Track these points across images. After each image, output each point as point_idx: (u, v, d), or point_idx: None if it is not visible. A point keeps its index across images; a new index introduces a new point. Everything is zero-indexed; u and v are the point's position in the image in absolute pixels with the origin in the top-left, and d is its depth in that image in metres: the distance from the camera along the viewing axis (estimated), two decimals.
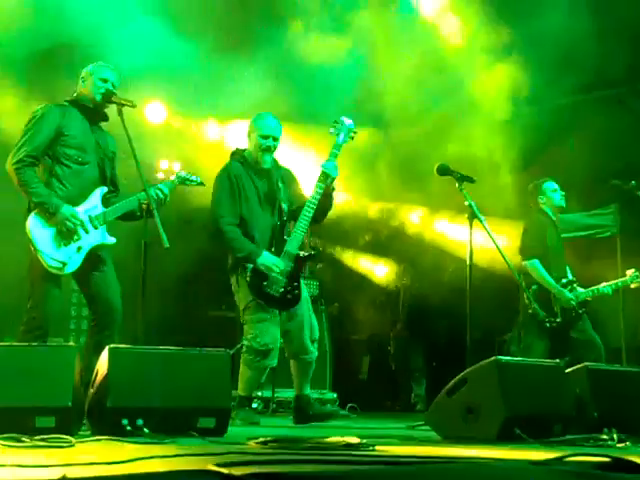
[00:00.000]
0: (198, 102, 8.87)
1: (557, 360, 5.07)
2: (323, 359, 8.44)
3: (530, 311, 6.53)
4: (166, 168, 9.30)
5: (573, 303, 6.66)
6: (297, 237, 5.73)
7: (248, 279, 5.63)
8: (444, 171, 5.49)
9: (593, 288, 6.83)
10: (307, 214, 5.66)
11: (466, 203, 5.37)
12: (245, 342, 5.71)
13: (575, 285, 6.75)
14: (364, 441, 3.50)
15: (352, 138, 5.75)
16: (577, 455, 2.76)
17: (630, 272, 6.97)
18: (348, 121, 5.74)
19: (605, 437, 4.18)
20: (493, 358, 4.49)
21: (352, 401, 8.64)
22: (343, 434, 3.69)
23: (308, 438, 3.58)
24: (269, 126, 5.86)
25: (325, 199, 5.69)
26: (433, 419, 4.75)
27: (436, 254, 9.44)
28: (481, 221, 5.29)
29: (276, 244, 5.75)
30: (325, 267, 10.12)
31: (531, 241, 6.77)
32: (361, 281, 10.49)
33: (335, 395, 8.44)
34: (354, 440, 3.49)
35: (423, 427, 5.25)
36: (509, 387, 4.40)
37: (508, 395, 4.37)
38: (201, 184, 5.74)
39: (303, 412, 5.86)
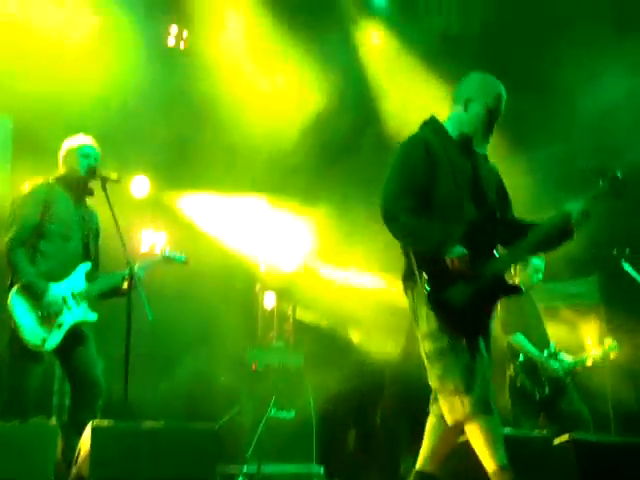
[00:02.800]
0: (182, 175, 8.96)
1: (544, 431, 5.03)
2: (310, 432, 8.34)
3: (518, 384, 6.52)
4: (151, 241, 9.30)
5: (560, 373, 6.64)
6: (508, 259, 4.18)
7: (426, 283, 3.87)
8: None
9: (578, 359, 6.82)
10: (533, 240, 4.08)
11: None
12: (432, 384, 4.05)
13: (560, 354, 6.74)
14: None
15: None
16: None
17: (608, 342, 6.98)
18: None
19: None
20: None
21: (339, 475, 8.51)
22: None
23: None
24: (502, 97, 4.14)
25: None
26: None
27: None
28: None
29: (477, 251, 3.93)
30: (309, 338, 10.07)
31: (510, 315, 6.74)
32: (347, 352, 10.42)
33: (322, 469, 8.32)
34: None
35: None
36: None
37: None
38: (185, 263, 5.76)
39: None
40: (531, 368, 6.62)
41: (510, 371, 6.68)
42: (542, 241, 4.06)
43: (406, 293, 4.10)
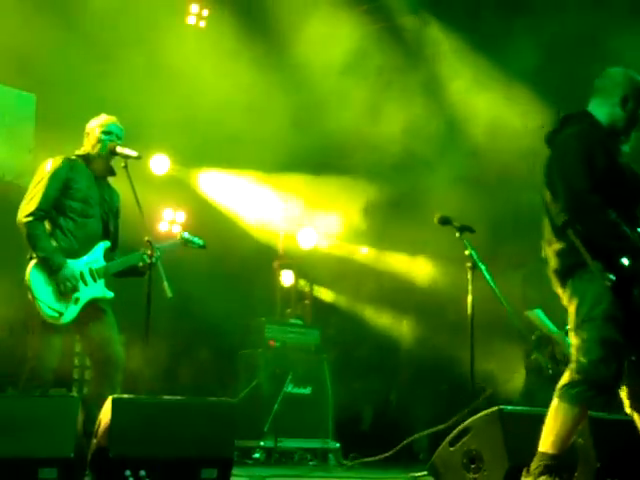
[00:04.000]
0: (201, 154, 9.00)
1: None
2: (326, 408, 8.42)
3: (532, 359, 6.55)
4: (171, 219, 9.38)
5: None
6: None
7: (608, 274, 3.86)
8: (444, 221, 5.54)
9: None
10: None
11: (467, 252, 5.40)
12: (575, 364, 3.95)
13: None
14: None
15: None
16: None
17: None
18: None
19: None
20: (496, 407, 4.49)
21: (354, 451, 8.59)
22: None
23: None
24: None
25: None
26: (436, 469, 4.73)
27: (438, 303, 9.45)
28: (482, 270, 5.32)
29: None
30: (326, 315, 10.12)
31: (531, 290, 6.78)
32: (363, 330, 10.48)
33: (338, 445, 8.39)
34: None
35: (426, 477, 5.23)
36: (512, 437, 4.39)
37: (512, 444, 4.36)
38: (203, 247, 5.76)
39: None
40: (546, 344, 6.64)
41: (526, 345, 6.72)
42: None
43: (563, 282, 4.08)
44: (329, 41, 8.50)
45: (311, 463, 7.96)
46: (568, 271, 4.04)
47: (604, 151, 4.06)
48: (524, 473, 3.93)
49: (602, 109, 4.24)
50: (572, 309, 4.03)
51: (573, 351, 3.98)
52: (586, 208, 3.93)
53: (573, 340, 4.01)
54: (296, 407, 8.13)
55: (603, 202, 3.91)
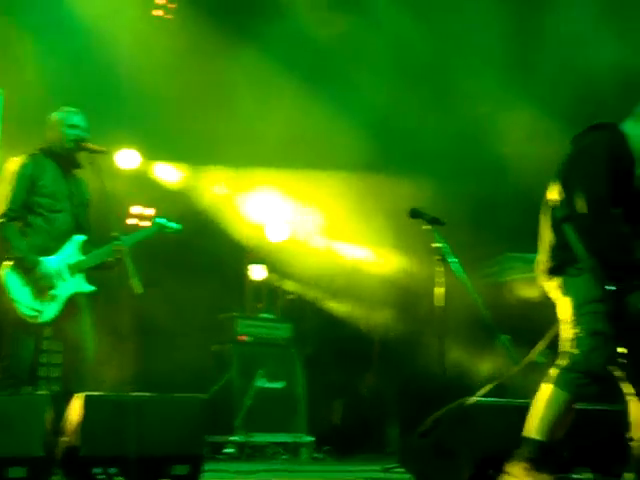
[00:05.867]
0: (170, 148, 8.95)
1: (529, 400, 5.08)
2: (298, 403, 8.43)
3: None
4: (139, 213, 9.32)
5: None
6: None
7: (609, 284, 4.07)
8: (416, 214, 5.55)
9: None
10: None
11: (436, 245, 5.40)
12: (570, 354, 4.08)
13: None
14: None
15: None
16: None
17: None
18: None
19: (577, 477, 4.20)
20: (465, 399, 4.52)
21: (327, 444, 8.61)
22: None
23: None
24: None
25: None
26: (407, 461, 4.76)
27: (409, 297, 9.49)
28: (451, 263, 5.32)
29: None
30: (298, 309, 10.12)
31: None
32: (335, 324, 10.49)
33: (311, 438, 8.41)
34: None
35: (398, 469, 5.25)
36: (482, 428, 4.42)
37: (481, 436, 4.39)
38: (179, 231, 5.70)
39: None
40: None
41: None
42: None
43: (553, 277, 4.18)
44: None
45: (283, 457, 7.96)
46: (559, 267, 4.15)
47: (628, 166, 4.11)
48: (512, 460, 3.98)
49: (636, 131, 4.22)
50: (563, 303, 4.14)
51: (566, 343, 4.09)
52: (602, 213, 4.00)
53: (565, 333, 4.12)
54: (268, 402, 8.13)
55: (614, 216, 4.01)
